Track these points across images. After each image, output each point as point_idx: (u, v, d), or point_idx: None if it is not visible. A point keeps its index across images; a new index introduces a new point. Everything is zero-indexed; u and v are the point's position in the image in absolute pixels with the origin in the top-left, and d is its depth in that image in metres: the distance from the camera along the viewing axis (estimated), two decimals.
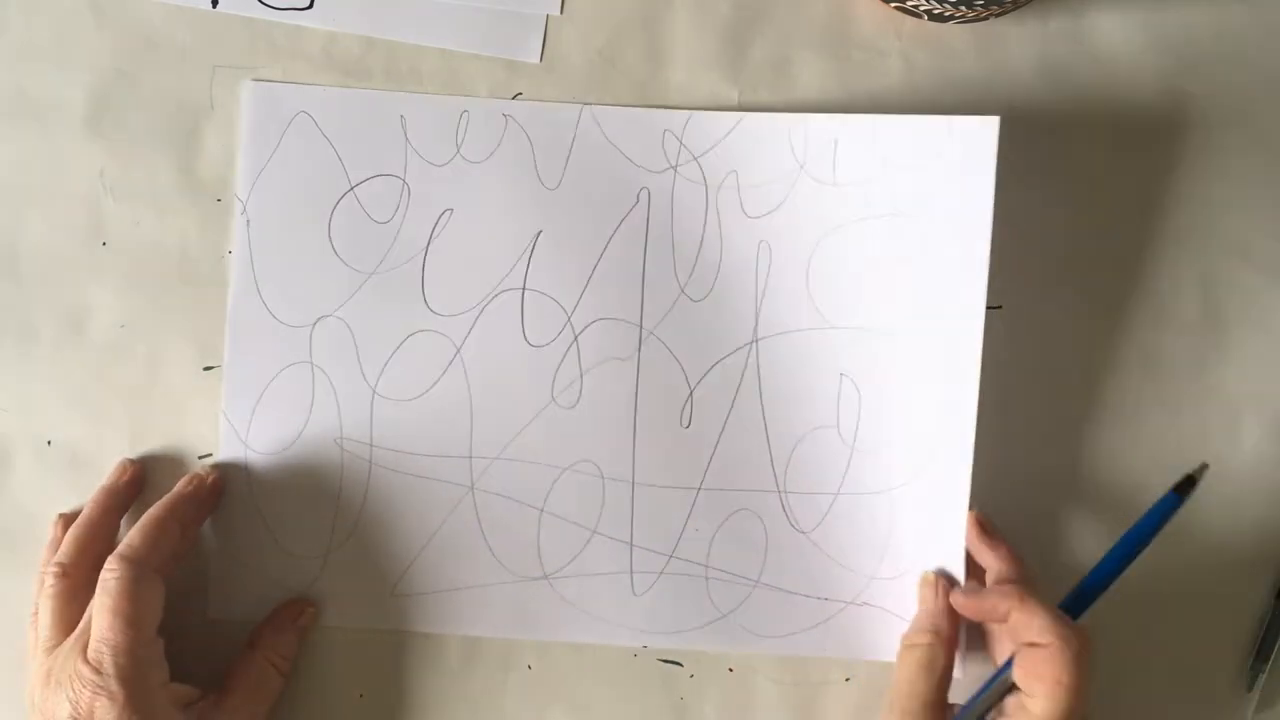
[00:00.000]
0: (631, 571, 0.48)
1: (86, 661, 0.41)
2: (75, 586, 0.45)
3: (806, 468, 0.48)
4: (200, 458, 0.49)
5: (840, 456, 0.48)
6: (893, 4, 0.49)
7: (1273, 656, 0.48)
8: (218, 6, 0.50)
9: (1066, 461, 0.49)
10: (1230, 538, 0.49)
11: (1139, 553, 0.44)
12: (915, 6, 0.48)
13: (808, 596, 0.48)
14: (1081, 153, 0.50)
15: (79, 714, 0.41)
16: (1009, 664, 0.43)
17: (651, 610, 0.48)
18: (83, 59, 0.50)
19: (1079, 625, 0.42)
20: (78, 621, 0.44)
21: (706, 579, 0.48)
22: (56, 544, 0.47)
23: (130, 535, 0.44)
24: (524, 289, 0.48)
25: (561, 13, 0.50)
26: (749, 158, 0.48)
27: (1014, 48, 0.50)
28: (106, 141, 0.49)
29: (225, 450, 0.48)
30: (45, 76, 0.49)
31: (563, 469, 0.48)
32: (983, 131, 0.47)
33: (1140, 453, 0.49)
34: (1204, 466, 0.44)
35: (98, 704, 0.41)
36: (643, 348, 0.48)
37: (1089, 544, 0.49)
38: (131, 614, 0.42)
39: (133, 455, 0.49)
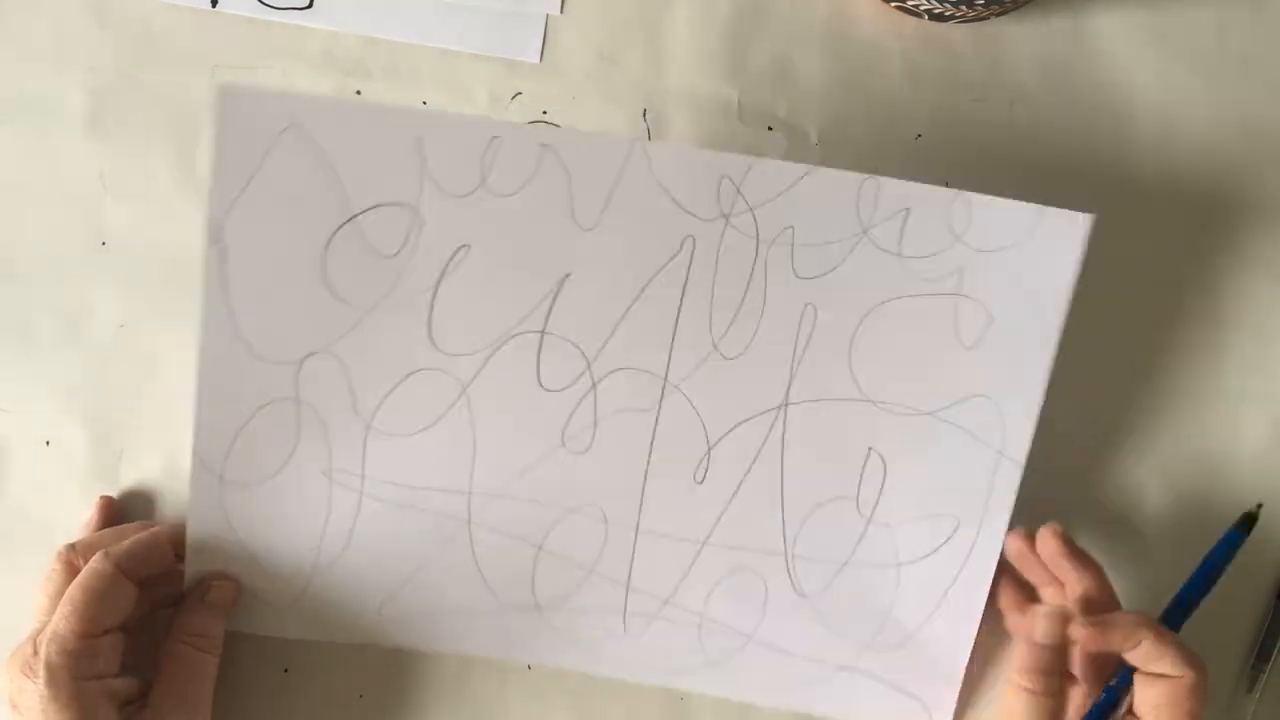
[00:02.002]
0: (625, 612, 0.47)
1: (32, 641, 0.42)
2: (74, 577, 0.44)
3: (818, 535, 0.46)
4: None
5: (854, 529, 0.46)
6: (893, 4, 0.49)
7: (1273, 657, 0.48)
8: (217, 6, 0.50)
9: (1066, 462, 0.49)
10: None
11: (1213, 586, 0.46)
12: (915, 6, 0.48)
13: (800, 656, 0.47)
14: (1081, 153, 0.50)
15: (11, 690, 0.42)
16: (1113, 692, 0.43)
17: (640, 649, 0.47)
18: (83, 59, 0.50)
19: (1201, 658, 0.43)
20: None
21: (700, 627, 0.47)
22: (90, 525, 0.48)
23: (126, 541, 0.44)
24: (543, 332, 0.45)
25: (561, 13, 0.50)
26: (810, 214, 0.44)
27: (1014, 48, 0.50)
28: (106, 141, 0.49)
29: (197, 487, 0.45)
30: (45, 76, 0.49)
31: (566, 510, 0.46)
32: (1071, 228, 0.44)
33: (1141, 453, 0.49)
34: (1259, 506, 0.46)
35: (26, 685, 0.41)
36: (664, 401, 0.45)
37: (1089, 544, 0.49)
38: (84, 607, 0.42)
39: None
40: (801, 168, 0.44)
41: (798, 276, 0.45)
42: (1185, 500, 0.49)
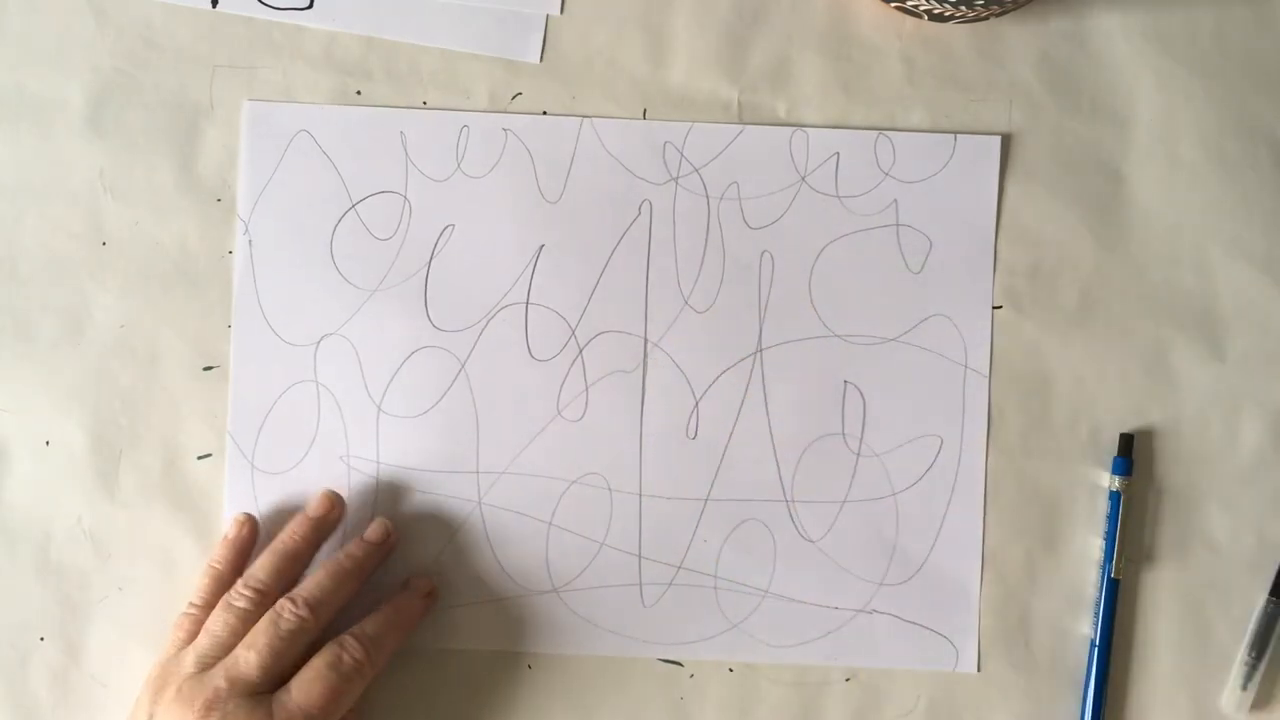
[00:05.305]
0: (640, 584, 0.49)
1: (227, 677, 0.42)
2: (263, 611, 0.45)
3: (813, 476, 0.49)
4: (199, 458, 0.49)
5: (847, 463, 0.49)
6: (893, 4, 0.49)
7: (1267, 652, 0.49)
8: (218, 6, 0.50)
9: (1065, 460, 0.49)
10: (1230, 537, 0.49)
11: None
12: (915, 6, 0.48)
13: (817, 605, 0.48)
14: (1081, 151, 0.50)
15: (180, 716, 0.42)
16: None
17: (661, 621, 0.48)
18: (83, 59, 0.49)
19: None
20: (237, 643, 0.44)
21: (715, 589, 0.49)
22: (241, 545, 0.47)
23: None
24: (527, 303, 0.49)
25: (561, 13, 0.50)
26: (750, 169, 0.49)
27: (1014, 48, 0.50)
28: (106, 141, 0.49)
29: (232, 471, 0.48)
30: (45, 76, 0.49)
31: (570, 482, 0.49)
32: (986, 148, 0.49)
33: (1139, 452, 0.49)
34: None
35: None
36: (648, 360, 0.49)
37: (1087, 540, 0.49)
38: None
39: (330, 489, 0.49)
40: (734, 128, 0.49)
41: (750, 227, 0.49)
42: (1185, 502, 0.49)
